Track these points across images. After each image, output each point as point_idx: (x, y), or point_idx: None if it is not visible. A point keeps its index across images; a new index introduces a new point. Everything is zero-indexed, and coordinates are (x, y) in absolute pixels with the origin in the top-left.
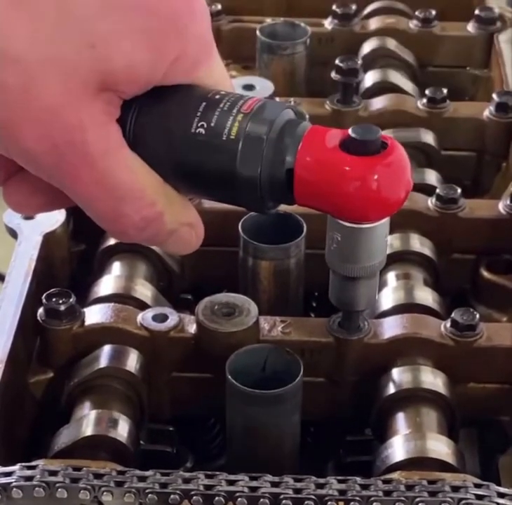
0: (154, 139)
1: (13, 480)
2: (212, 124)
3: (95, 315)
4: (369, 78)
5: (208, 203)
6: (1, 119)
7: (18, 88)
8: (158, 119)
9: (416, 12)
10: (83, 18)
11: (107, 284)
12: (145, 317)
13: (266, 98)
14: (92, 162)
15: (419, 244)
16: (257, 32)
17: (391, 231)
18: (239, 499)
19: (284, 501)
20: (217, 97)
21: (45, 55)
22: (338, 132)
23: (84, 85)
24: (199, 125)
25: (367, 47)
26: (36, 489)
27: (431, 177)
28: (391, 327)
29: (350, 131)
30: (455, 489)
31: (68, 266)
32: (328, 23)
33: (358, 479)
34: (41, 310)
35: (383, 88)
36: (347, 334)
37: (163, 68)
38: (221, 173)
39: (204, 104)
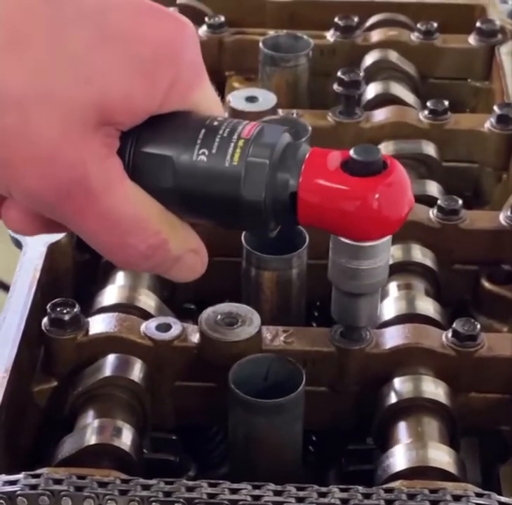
0: (155, 168)
1: (18, 489)
2: (214, 151)
3: (99, 324)
4: (371, 90)
5: None
6: (1, 160)
7: (17, 128)
8: (158, 148)
9: (418, 25)
10: (76, 53)
11: (111, 294)
12: (149, 326)
13: (268, 110)
14: (96, 198)
15: (420, 255)
16: (260, 44)
17: (393, 242)
18: None
19: None
20: (216, 123)
21: (41, 93)
22: (338, 153)
23: (83, 121)
24: (200, 152)
25: (369, 59)
26: (41, 497)
27: (432, 188)
28: (393, 337)
29: (351, 152)
30: (457, 498)
31: (72, 276)
32: (330, 35)
33: (360, 488)
34: (45, 320)
35: (385, 99)
36: (349, 344)
37: (159, 96)
38: (225, 199)
39: (203, 131)
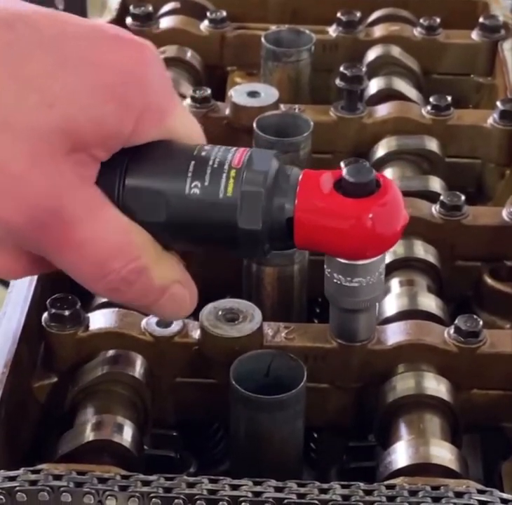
0: (147, 203)
1: (18, 484)
2: (206, 183)
3: (99, 320)
4: (374, 86)
5: None
6: None
7: None
8: (147, 182)
9: (421, 20)
10: (36, 78)
11: None
12: (149, 322)
13: (270, 105)
14: (72, 228)
15: (422, 251)
16: (262, 39)
17: None
18: (243, 504)
19: None
20: (204, 153)
21: (3, 120)
22: (330, 174)
23: (50, 148)
24: (193, 185)
25: (372, 54)
26: (41, 493)
27: (435, 184)
28: (395, 334)
29: (344, 173)
30: (458, 495)
31: None
32: (333, 30)
33: (362, 484)
34: (45, 315)
35: (387, 95)
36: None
37: (131, 121)
38: (220, 230)
39: (193, 162)
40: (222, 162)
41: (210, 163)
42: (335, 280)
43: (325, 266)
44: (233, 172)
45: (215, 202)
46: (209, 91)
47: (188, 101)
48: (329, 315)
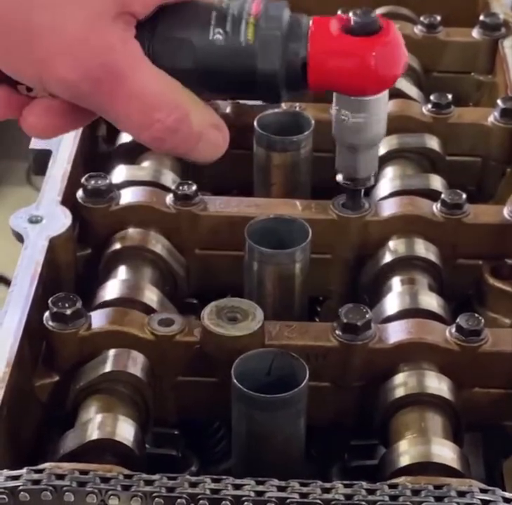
0: (175, 51)
1: (21, 484)
2: (228, 29)
3: (100, 319)
4: None
5: (214, 209)
6: (35, 59)
7: (45, 26)
8: (176, 32)
9: (421, 18)
10: None
11: (113, 288)
12: (151, 321)
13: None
14: (124, 77)
15: (424, 249)
16: None
17: (397, 236)
18: (245, 503)
19: None
20: (224, 5)
21: None
22: (337, 19)
23: (105, 11)
24: (215, 31)
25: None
26: (44, 492)
27: (436, 182)
28: (396, 332)
29: (351, 14)
30: (461, 494)
31: (74, 270)
32: None
33: (364, 484)
34: (47, 314)
35: (388, 93)
36: (352, 339)
37: None
38: (242, 72)
39: (214, 13)
40: (241, 11)
41: (230, 11)
42: (343, 117)
43: (333, 105)
44: (251, 19)
45: (237, 46)
46: None
47: None
48: (327, 315)
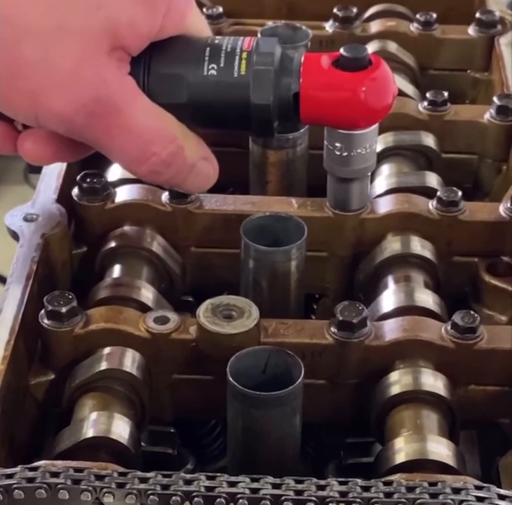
0: (169, 86)
1: (15, 482)
2: (222, 65)
3: (96, 317)
4: None
5: (210, 206)
6: (28, 92)
7: (37, 59)
8: (170, 69)
9: (417, 15)
10: None
11: (108, 286)
12: (146, 319)
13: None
14: (119, 112)
15: (419, 247)
16: (258, 35)
17: (392, 234)
18: (240, 501)
19: (285, 503)
20: (217, 41)
21: (56, 23)
22: (328, 55)
23: (97, 45)
24: (210, 67)
25: (368, 50)
26: (38, 490)
27: (432, 179)
28: (392, 330)
29: (341, 50)
30: (456, 491)
31: (69, 268)
32: (329, 26)
33: (359, 481)
34: (42, 312)
35: None
36: (348, 336)
37: (159, 21)
38: (236, 106)
39: (208, 49)
40: (234, 47)
41: (224, 48)
42: (334, 151)
43: (325, 141)
44: (244, 54)
45: (231, 80)
46: None
47: None
48: (323, 313)
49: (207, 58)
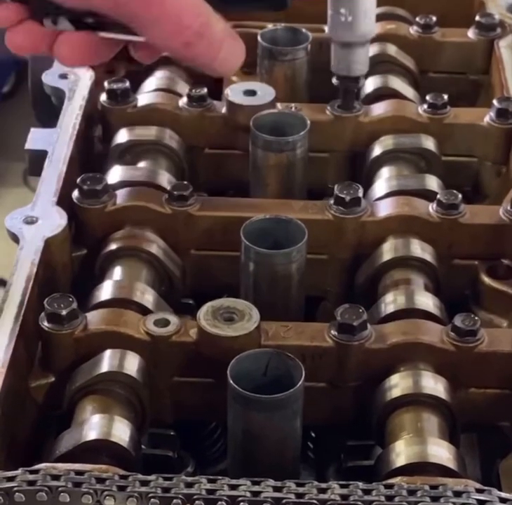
0: None
1: (16, 485)
2: None
3: (96, 319)
4: (370, 84)
5: (210, 209)
6: None
7: None
8: None
9: (417, 19)
10: None
11: (109, 289)
12: (147, 322)
13: (267, 103)
14: None
15: (420, 250)
16: (258, 38)
17: (393, 237)
18: (241, 504)
19: None
20: None
21: None
22: None
23: None
24: None
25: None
26: (39, 493)
27: (432, 182)
28: (392, 333)
29: None
30: (457, 494)
31: (69, 270)
32: None
33: (360, 484)
34: (42, 314)
35: (384, 93)
36: (348, 339)
37: None
38: None
39: None
40: None
41: None
42: (339, 17)
43: (329, 10)
44: None
45: None
46: (205, 90)
47: (184, 99)
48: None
49: None
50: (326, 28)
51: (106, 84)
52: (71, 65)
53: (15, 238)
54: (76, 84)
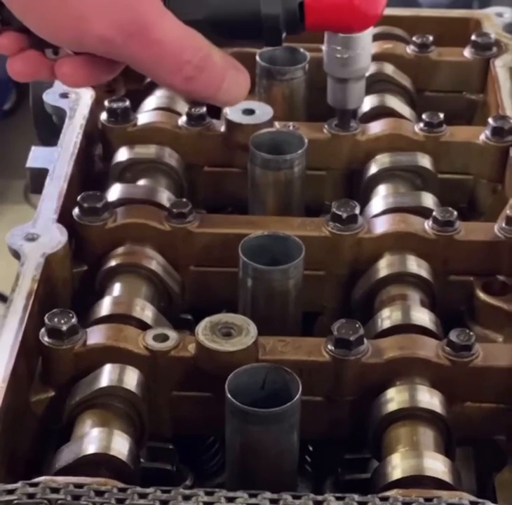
0: (190, 4)
1: (16, 498)
2: None
3: (96, 335)
4: (367, 103)
5: (209, 226)
6: (73, 19)
7: None
8: None
9: (414, 38)
10: None
11: (108, 304)
12: (146, 337)
13: (265, 122)
14: (153, 28)
15: (416, 266)
16: (257, 57)
17: (389, 253)
18: None
19: None
20: None
21: None
22: None
23: None
24: None
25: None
26: None
27: (428, 200)
28: (388, 347)
29: None
30: None
31: (70, 286)
32: None
33: (356, 496)
34: (43, 330)
35: (380, 112)
36: (345, 354)
37: None
38: (248, 17)
39: None
40: None
41: None
42: (334, 54)
43: (325, 46)
44: None
45: None
46: (204, 108)
47: (184, 118)
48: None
49: None
50: (323, 47)
51: (106, 103)
52: (73, 86)
53: (16, 255)
54: (77, 103)
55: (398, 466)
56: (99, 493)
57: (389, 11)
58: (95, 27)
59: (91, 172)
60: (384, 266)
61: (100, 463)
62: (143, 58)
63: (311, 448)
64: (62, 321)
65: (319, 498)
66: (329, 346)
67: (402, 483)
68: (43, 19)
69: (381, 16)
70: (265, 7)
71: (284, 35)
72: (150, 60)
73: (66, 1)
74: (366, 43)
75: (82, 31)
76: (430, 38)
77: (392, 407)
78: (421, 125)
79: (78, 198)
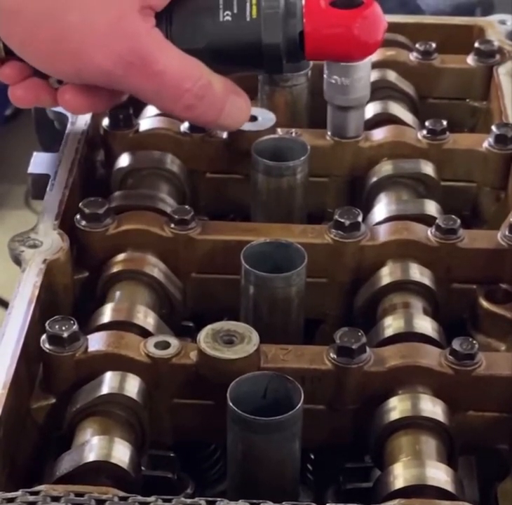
0: (191, 34)
1: None
2: (235, 11)
3: (97, 342)
4: (370, 110)
5: (210, 233)
6: (71, 52)
7: (79, 23)
8: (189, 19)
9: (417, 45)
10: None
11: (110, 311)
12: (147, 344)
13: (267, 129)
14: (152, 58)
15: (418, 274)
16: None
17: (392, 261)
18: None
19: None
20: None
21: None
22: None
23: (129, 7)
24: (225, 14)
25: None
26: None
27: (431, 207)
28: (391, 356)
29: None
30: None
31: (71, 293)
32: None
33: None
34: (43, 336)
35: (383, 119)
36: (347, 362)
37: None
38: (250, 47)
39: None
40: None
41: None
42: (333, 81)
43: (325, 75)
44: (254, 0)
45: (244, 24)
46: None
47: (186, 124)
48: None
49: (221, 6)
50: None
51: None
52: (76, 113)
53: (17, 261)
54: None
55: (400, 475)
56: (100, 501)
57: (392, 18)
58: (94, 59)
59: (93, 178)
60: (386, 274)
61: (101, 471)
62: (144, 88)
63: (312, 456)
64: (63, 328)
65: None
66: (332, 354)
67: (404, 492)
68: (41, 54)
69: (381, 43)
70: (266, 36)
71: (284, 62)
72: (151, 90)
73: (63, 36)
74: (366, 71)
75: (81, 64)
76: (434, 45)
77: (394, 415)
78: (424, 132)
79: (80, 204)
